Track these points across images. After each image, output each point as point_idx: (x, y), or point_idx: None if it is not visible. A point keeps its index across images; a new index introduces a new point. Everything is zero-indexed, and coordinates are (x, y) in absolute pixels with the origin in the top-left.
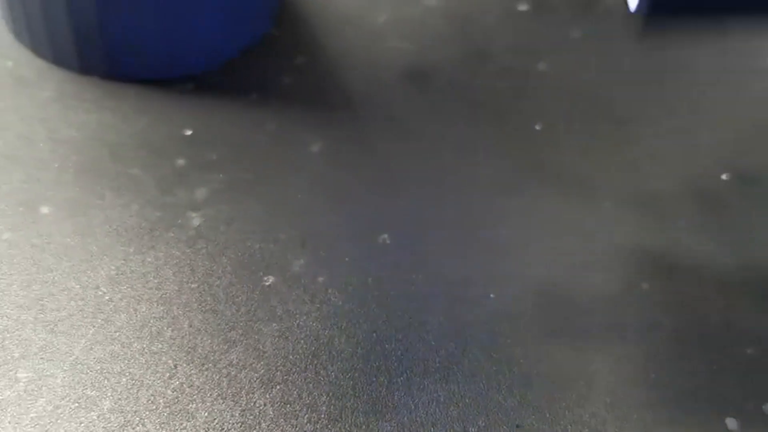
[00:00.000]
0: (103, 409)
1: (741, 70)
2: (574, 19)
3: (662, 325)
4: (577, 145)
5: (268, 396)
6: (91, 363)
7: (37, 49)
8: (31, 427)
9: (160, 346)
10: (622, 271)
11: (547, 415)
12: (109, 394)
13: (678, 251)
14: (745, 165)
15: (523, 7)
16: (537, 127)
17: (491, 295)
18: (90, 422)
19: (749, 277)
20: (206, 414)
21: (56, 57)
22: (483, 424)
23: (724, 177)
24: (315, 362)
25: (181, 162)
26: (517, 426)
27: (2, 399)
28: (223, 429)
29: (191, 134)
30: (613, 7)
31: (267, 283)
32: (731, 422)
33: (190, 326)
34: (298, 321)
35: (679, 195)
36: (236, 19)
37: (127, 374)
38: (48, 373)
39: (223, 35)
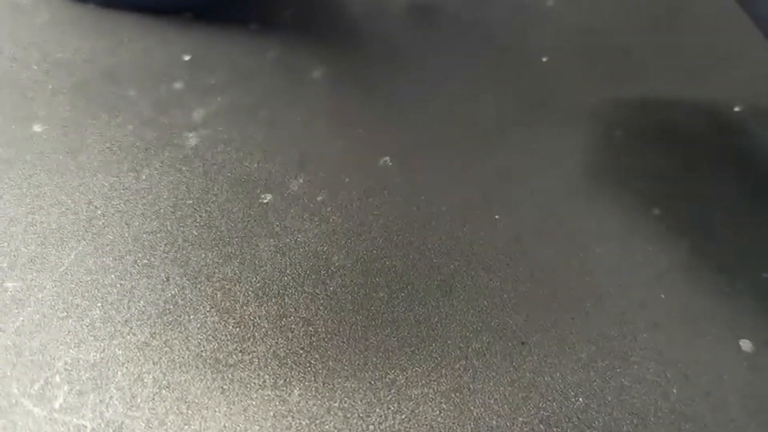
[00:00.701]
0: (92, 318)
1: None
2: None
3: (675, 248)
4: (586, 78)
5: (263, 309)
6: (82, 274)
7: None
8: (17, 335)
9: (152, 259)
10: (632, 197)
11: (554, 333)
12: (99, 304)
13: (691, 179)
14: (757, 98)
15: None
16: (544, 60)
17: (496, 217)
18: (78, 330)
19: (763, 204)
20: (199, 325)
21: None
22: (487, 340)
23: (736, 109)
24: (313, 277)
25: (178, 85)
26: (522, 343)
27: None
28: (216, 339)
29: (189, 59)
30: None
31: (264, 201)
32: (745, 344)
33: (185, 240)
34: (296, 237)
35: (690, 126)
36: None
37: (118, 285)
38: (36, 283)
39: None
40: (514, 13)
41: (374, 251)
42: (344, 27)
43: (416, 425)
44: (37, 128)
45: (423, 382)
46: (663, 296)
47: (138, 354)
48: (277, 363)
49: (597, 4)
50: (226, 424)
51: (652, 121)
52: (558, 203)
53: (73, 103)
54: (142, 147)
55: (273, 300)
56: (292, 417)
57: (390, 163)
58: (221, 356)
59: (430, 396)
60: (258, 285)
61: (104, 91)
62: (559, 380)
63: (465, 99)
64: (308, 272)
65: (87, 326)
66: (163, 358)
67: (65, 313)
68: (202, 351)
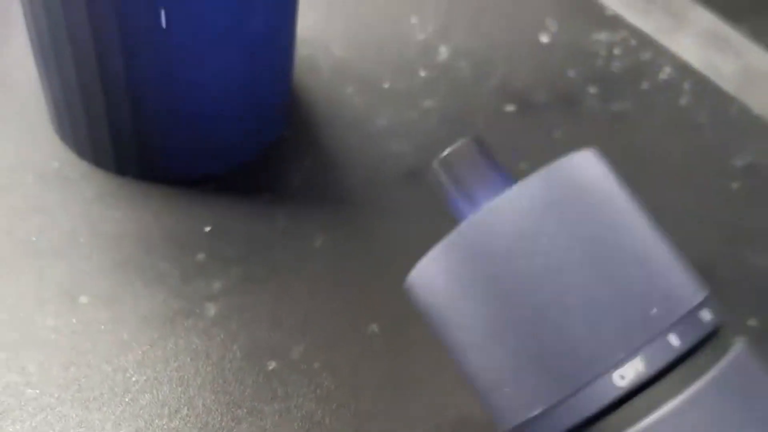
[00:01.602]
0: None
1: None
2: (556, 120)
3: None
4: None
5: None
6: None
7: (80, 151)
8: None
9: (177, 423)
10: None
11: None
12: None
13: None
14: None
15: (510, 108)
16: None
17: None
18: None
19: None
20: None
21: (97, 159)
22: None
23: None
24: None
25: (201, 256)
26: None
27: None
28: None
29: (210, 230)
30: (592, 108)
31: (270, 368)
32: None
33: (204, 405)
34: (295, 402)
35: None
36: (255, 125)
37: None
38: None
39: (242, 140)
40: None
41: (361, 416)
42: (344, 195)
43: None
44: (83, 300)
45: None
46: None
47: None
48: None
49: None
50: None
51: None
52: None
53: (114, 274)
54: (170, 317)
55: None
56: None
57: (377, 330)
58: None
59: None
60: None
61: (140, 263)
62: None
63: None
64: None
65: None
66: None
67: None
68: None
